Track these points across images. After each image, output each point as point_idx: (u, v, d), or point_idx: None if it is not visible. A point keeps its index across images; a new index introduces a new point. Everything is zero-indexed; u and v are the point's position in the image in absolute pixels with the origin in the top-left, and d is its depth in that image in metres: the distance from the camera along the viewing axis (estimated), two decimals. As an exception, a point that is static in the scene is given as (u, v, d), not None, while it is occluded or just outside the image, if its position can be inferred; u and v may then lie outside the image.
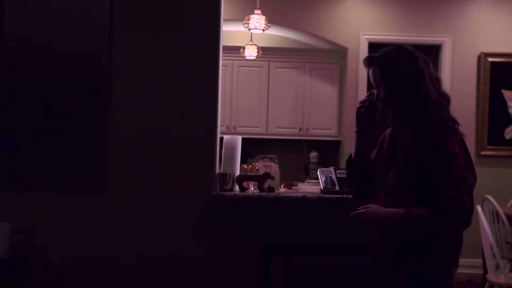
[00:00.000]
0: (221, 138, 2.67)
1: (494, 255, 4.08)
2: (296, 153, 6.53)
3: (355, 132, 2.20)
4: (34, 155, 2.52)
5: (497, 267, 4.23)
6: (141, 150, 2.57)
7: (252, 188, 2.63)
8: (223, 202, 2.51)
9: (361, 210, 1.97)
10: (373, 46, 5.79)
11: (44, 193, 2.55)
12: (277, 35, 6.43)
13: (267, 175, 2.57)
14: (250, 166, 2.67)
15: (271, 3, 5.63)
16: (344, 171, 2.42)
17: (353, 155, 2.22)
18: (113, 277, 2.57)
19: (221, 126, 3.31)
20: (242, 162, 2.70)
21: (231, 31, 6.07)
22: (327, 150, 6.45)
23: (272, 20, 4.86)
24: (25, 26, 2.52)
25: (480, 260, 4.83)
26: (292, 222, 2.62)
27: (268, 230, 2.62)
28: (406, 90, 1.98)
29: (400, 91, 1.99)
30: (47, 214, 2.53)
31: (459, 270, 2.05)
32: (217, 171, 2.63)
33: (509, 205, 5.08)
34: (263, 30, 4.78)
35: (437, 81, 2.04)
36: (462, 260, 2.06)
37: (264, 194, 2.51)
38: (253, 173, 2.64)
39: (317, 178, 2.74)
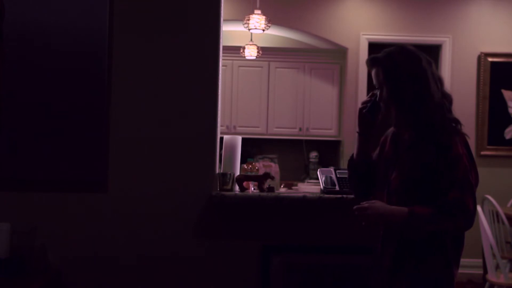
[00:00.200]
0: (221, 138, 2.67)
1: (494, 255, 4.08)
2: (296, 153, 6.53)
3: (357, 132, 2.20)
4: (34, 155, 2.52)
5: (497, 267, 4.23)
6: (141, 150, 2.57)
7: (252, 188, 2.63)
8: (223, 202, 2.51)
9: (365, 205, 1.97)
10: (373, 46, 5.79)
11: (44, 193, 2.55)
12: (277, 35, 6.43)
13: (267, 175, 2.57)
14: (250, 166, 2.67)
15: (271, 3, 5.63)
16: (344, 171, 2.42)
17: (355, 155, 2.22)
18: (113, 277, 2.57)
19: (221, 126, 3.31)
20: (242, 162, 2.70)
21: (231, 31, 6.07)
22: (327, 150, 6.45)
23: (272, 20, 4.86)
24: (25, 26, 2.52)
25: (480, 260, 4.83)
26: (292, 222, 2.62)
27: (268, 230, 2.62)
28: (410, 91, 1.98)
29: (404, 91, 1.98)
30: (47, 214, 2.53)
31: (459, 270, 2.05)
32: (217, 171, 2.63)
33: (509, 205, 5.07)
34: (263, 30, 4.77)
35: (440, 82, 2.04)
36: (462, 260, 2.06)
37: (264, 194, 2.51)
38: (253, 173, 2.64)
39: (317, 178, 2.74)
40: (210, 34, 2.61)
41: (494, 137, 5.80)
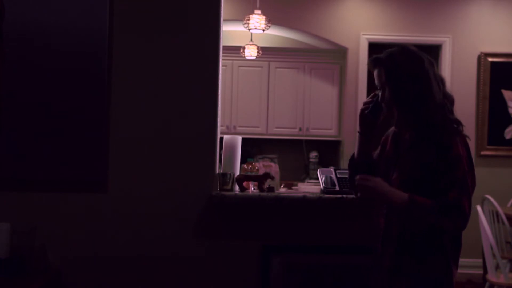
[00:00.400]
0: (221, 138, 2.67)
1: (494, 255, 4.08)
2: (296, 153, 6.53)
3: (358, 132, 2.19)
4: (34, 155, 2.52)
5: (497, 267, 4.23)
6: (141, 150, 2.57)
7: (252, 188, 2.63)
8: (223, 202, 2.51)
9: (368, 177, 1.97)
10: (373, 46, 5.80)
11: (44, 193, 2.55)
12: (277, 35, 6.43)
13: (267, 175, 2.57)
14: (250, 166, 2.67)
15: (271, 3, 5.63)
16: (345, 171, 2.42)
17: (355, 155, 2.21)
18: (113, 277, 2.57)
19: (221, 126, 3.31)
20: (242, 162, 2.70)
21: (231, 31, 6.07)
22: (327, 150, 6.45)
23: (272, 20, 4.86)
24: (25, 26, 2.52)
25: (480, 260, 4.83)
26: (292, 222, 2.62)
27: (268, 230, 2.62)
28: (411, 91, 1.98)
29: (406, 92, 1.98)
30: (47, 214, 2.53)
31: (459, 270, 2.05)
32: (217, 171, 2.63)
33: (509, 205, 5.08)
34: (263, 30, 4.77)
35: (442, 82, 2.04)
36: (462, 260, 2.07)
37: (264, 194, 2.51)
38: (253, 173, 2.64)
39: (317, 178, 2.74)
40: (210, 34, 2.61)
41: (494, 137, 5.81)
